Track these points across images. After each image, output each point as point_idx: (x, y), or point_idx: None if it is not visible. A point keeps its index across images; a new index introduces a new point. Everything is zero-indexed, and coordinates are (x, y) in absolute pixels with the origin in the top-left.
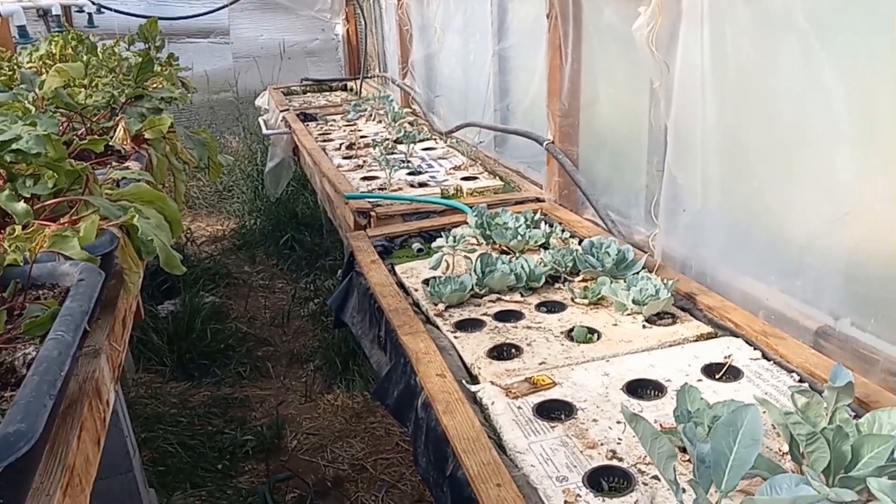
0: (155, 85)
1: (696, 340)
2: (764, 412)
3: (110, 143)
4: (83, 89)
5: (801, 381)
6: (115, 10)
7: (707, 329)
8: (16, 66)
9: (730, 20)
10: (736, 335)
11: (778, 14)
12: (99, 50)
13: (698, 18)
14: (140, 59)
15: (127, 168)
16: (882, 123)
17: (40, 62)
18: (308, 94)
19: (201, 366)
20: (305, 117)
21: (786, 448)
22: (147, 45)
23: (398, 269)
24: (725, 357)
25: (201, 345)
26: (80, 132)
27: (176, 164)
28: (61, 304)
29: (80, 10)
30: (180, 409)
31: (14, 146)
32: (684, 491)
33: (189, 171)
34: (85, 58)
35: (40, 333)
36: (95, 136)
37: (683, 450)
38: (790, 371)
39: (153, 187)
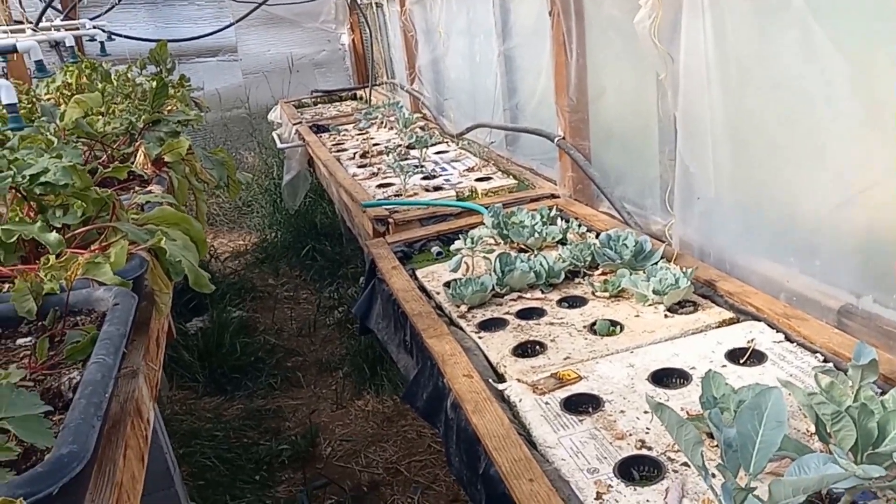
0: (170, 108)
1: (719, 327)
2: (789, 394)
3: (132, 169)
4: (101, 117)
5: (825, 361)
6: (125, 36)
7: (729, 315)
8: (34, 100)
9: (729, 9)
10: (758, 319)
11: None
12: (113, 77)
13: (699, 8)
14: (154, 85)
15: (150, 192)
16: (884, 102)
17: (58, 93)
18: (319, 105)
19: (233, 379)
20: (318, 129)
21: (813, 429)
22: (158, 68)
23: (419, 273)
24: (748, 341)
25: (232, 359)
26: (101, 160)
27: (196, 184)
28: (99, 328)
29: (92, 40)
30: (215, 424)
31: (43, 179)
32: (714, 476)
33: (209, 189)
34: (100, 86)
35: (81, 358)
36: (118, 163)
37: (711, 435)
38: (814, 352)
39: (176, 209)
